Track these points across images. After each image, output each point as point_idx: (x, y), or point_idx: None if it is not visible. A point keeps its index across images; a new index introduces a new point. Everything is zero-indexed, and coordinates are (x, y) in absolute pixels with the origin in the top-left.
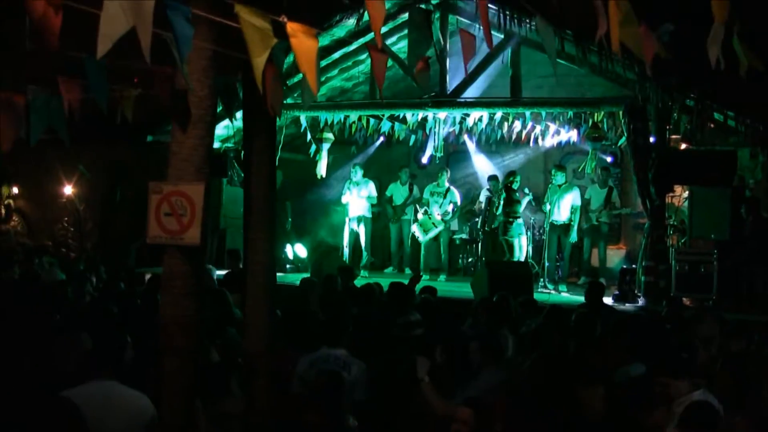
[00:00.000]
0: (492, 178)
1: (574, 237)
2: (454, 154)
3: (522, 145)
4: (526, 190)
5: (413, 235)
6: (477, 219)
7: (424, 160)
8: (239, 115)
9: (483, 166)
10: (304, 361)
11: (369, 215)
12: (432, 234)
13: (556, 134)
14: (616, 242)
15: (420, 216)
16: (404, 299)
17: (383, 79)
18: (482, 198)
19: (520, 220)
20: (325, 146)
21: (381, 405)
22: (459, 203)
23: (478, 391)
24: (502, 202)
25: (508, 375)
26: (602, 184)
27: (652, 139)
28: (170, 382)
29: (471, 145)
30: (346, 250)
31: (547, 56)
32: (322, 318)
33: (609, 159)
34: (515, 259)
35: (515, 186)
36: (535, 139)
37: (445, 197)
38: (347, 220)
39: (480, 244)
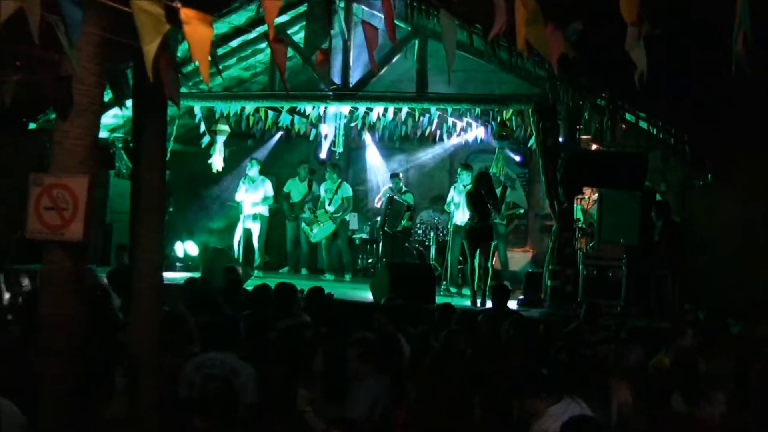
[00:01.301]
0: (394, 176)
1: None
2: (356, 150)
3: (428, 143)
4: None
5: (308, 235)
6: (378, 218)
7: (323, 155)
8: (129, 103)
9: (377, 162)
10: (191, 364)
11: (265, 213)
12: (321, 232)
13: (463, 132)
14: (522, 245)
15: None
16: (291, 301)
17: (285, 69)
18: (383, 195)
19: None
20: (221, 138)
21: (270, 409)
22: (351, 198)
23: (360, 402)
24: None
25: (394, 383)
26: (498, 183)
27: (561, 139)
28: (49, 386)
29: (370, 141)
30: (236, 249)
31: (444, 49)
32: (192, 321)
33: (518, 158)
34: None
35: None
36: (441, 137)
37: (336, 193)
38: (241, 217)
39: (380, 244)
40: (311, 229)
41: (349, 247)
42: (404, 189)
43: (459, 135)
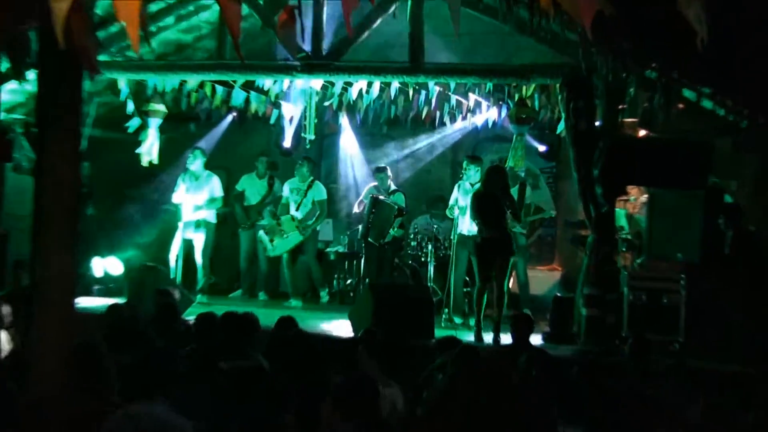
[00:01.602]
0: (380, 171)
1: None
2: (331, 137)
3: (424, 129)
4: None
5: (266, 248)
6: (359, 226)
7: (287, 144)
8: (32, 75)
9: (358, 153)
10: (110, 421)
11: (212, 220)
12: (284, 244)
13: (470, 114)
14: (547, 261)
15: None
16: (245, 336)
17: (239, 32)
18: (365, 197)
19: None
20: (154, 122)
21: None
22: (326, 202)
23: None
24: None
25: None
26: (515, 180)
27: (599, 123)
28: None
29: (348, 126)
30: (173, 267)
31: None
32: (112, 361)
33: (542, 148)
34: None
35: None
36: (442, 121)
37: (306, 194)
38: (180, 225)
39: (363, 260)
40: (271, 240)
41: (320, 264)
42: (393, 188)
43: (465, 118)
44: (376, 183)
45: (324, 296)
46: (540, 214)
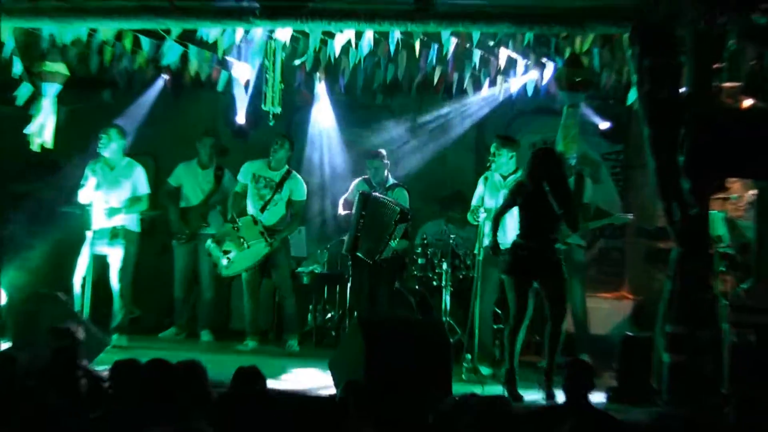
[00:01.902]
0: (374, 158)
1: None
2: (302, 110)
3: (436, 98)
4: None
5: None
6: (342, 237)
7: (240, 120)
8: None
9: (335, 130)
10: None
11: (134, 228)
12: (244, 259)
13: (503, 79)
14: (613, 286)
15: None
16: (181, 394)
17: None
18: (352, 194)
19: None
20: (51, 89)
21: None
22: (305, 202)
23: None
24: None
25: None
26: (568, 170)
27: (685, 90)
28: None
29: (326, 95)
30: (79, 294)
31: None
32: None
33: (604, 126)
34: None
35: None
36: (462, 88)
37: (279, 190)
38: (88, 235)
39: (349, 284)
40: (225, 254)
41: (291, 290)
42: (392, 181)
43: (494, 84)
44: (367, 175)
45: (293, 345)
46: (605, 220)
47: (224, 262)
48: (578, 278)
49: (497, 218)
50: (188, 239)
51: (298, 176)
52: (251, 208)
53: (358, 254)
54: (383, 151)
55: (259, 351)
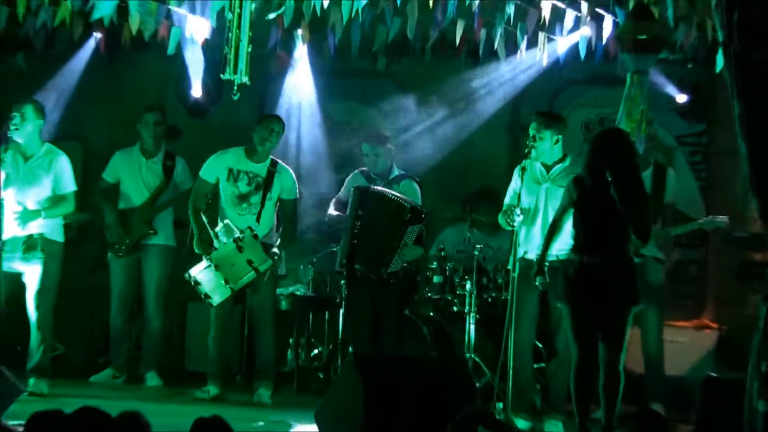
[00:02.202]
0: (375, 142)
1: None
2: (278, 79)
3: (456, 64)
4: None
5: (172, 290)
6: (333, 247)
7: (196, 93)
8: None
9: (320, 106)
10: None
11: (57, 236)
12: (243, 283)
13: (545, 37)
14: (692, 311)
15: (219, 229)
16: None
17: None
18: (346, 188)
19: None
20: None
21: None
22: (297, 199)
23: None
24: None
25: None
26: (640, 161)
27: None
28: None
29: (307, 59)
30: None
31: None
32: None
33: (681, 99)
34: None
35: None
36: (491, 49)
37: (269, 188)
38: None
39: (342, 309)
40: (226, 284)
41: (272, 321)
42: (398, 172)
43: (535, 44)
44: (365, 166)
45: (264, 395)
46: (692, 224)
47: (222, 293)
48: (654, 303)
49: (555, 226)
50: (129, 251)
51: (286, 167)
52: (236, 219)
53: (357, 266)
54: (386, 134)
55: (222, 400)
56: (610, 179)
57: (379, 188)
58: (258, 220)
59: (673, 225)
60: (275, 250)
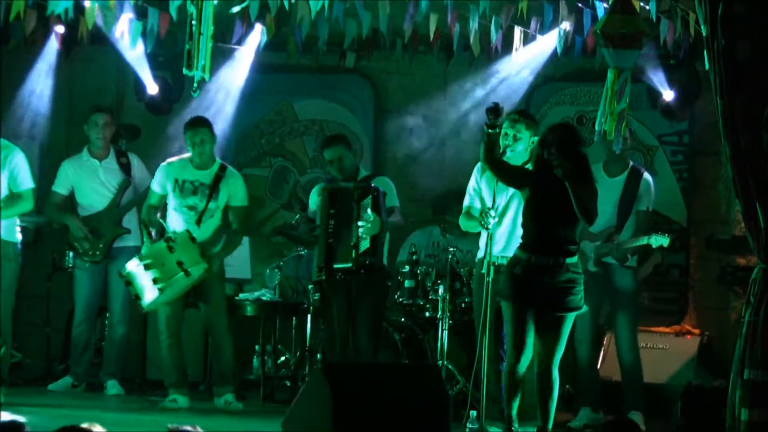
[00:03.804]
0: (333, 143)
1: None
2: (251, 76)
3: (428, 60)
4: None
5: (130, 288)
6: (300, 251)
7: (151, 90)
8: None
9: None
10: None
11: (15, 238)
12: (172, 291)
13: (521, 31)
14: (673, 318)
15: (150, 230)
16: None
17: None
18: (311, 206)
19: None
20: None
21: None
22: (245, 209)
23: None
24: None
25: None
26: (616, 163)
27: None
28: None
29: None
30: None
31: None
32: None
33: (668, 96)
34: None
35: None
36: (464, 45)
37: (213, 195)
38: None
39: (309, 313)
40: (155, 284)
41: (230, 327)
42: (365, 173)
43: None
44: (327, 175)
45: (230, 400)
46: (638, 241)
47: (150, 294)
48: (625, 309)
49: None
50: (103, 256)
51: (236, 173)
52: (178, 224)
53: (335, 266)
54: (346, 137)
55: (189, 411)
56: (556, 163)
57: (345, 185)
58: (198, 223)
59: (646, 233)
60: (218, 252)
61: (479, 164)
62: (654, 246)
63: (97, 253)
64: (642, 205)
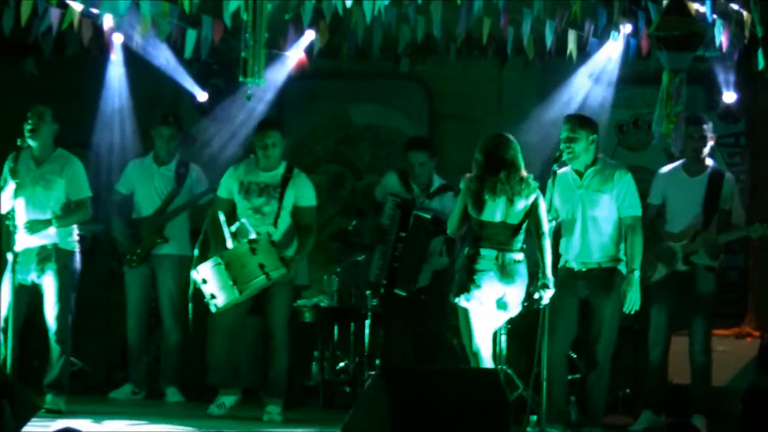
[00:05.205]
0: (415, 147)
1: (631, 303)
2: (298, 83)
3: (483, 62)
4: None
5: (197, 298)
6: (358, 257)
7: (201, 97)
8: None
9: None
10: None
11: (72, 246)
12: (254, 289)
13: (575, 34)
14: (733, 320)
15: (230, 230)
16: None
17: None
18: (388, 205)
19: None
20: None
21: None
22: (315, 206)
23: None
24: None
25: None
26: (696, 163)
27: None
28: None
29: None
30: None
31: None
32: None
33: (730, 98)
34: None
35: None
36: (519, 46)
37: (281, 198)
38: (9, 259)
39: (368, 320)
40: (234, 286)
41: (286, 338)
42: (439, 182)
43: (564, 40)
44: (401, 174)
45: (273, 413)
46: (738, 232)
47: (228, 295)
48: (702, 313)
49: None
50: (141, 261)
51: (302, 173)
52: (247, 228)
53: (397, 290)
54: (429, 140)
55: (237, 414)
56: None
57: (420, 209)
58: (275, 225)
59: (722, 232)
60: (294, 256)
61: (553, 168)
62: (754, 236)
63: (134, 257)
64: (726, 204)
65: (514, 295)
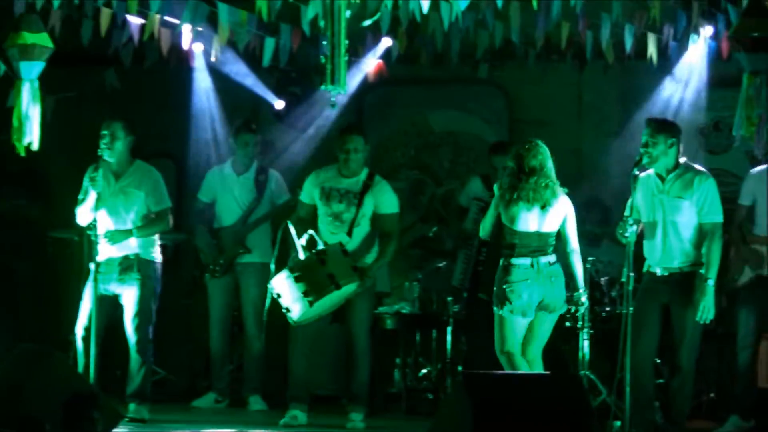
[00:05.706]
0: (500, 151)
1: (711, 310)
2: (377, 90)
3: (563, 67)
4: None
5: (276, 308)
6: (439, 263)
7: (278, 105)
8: None
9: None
10: None
11: (155, 257)
12: (324, 305)
13: (655, 37)
14: None
15: (300, 243)
16: None
17: None
18: (473, 210)
19: None
20: (31, 69)
21: None
22: (398, 216)
23: None
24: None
25: None
26: None
27: None
28: None
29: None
30: (81, 349)
31: None
32: None
33: None
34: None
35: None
36: (598, 51)
37: (360, 204)
38: (92, 269)
39: (450, 327)
40: (305, 297)
41: (368, 343)
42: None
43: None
44: (484, 178)
45: (356, 421)
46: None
47: (300, 307)
48: None
49: None
50: (224, 271)
51: (383, 180)
52: (326, 234)
53: (480, 296)
54: (512, 144)
55: (320, 422)
56: None
57: None
58: (349, 234)
59: None
60: (372, 264)
61: (631, 176)
62: None
63: (217, 268)
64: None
65: (555, 295)
